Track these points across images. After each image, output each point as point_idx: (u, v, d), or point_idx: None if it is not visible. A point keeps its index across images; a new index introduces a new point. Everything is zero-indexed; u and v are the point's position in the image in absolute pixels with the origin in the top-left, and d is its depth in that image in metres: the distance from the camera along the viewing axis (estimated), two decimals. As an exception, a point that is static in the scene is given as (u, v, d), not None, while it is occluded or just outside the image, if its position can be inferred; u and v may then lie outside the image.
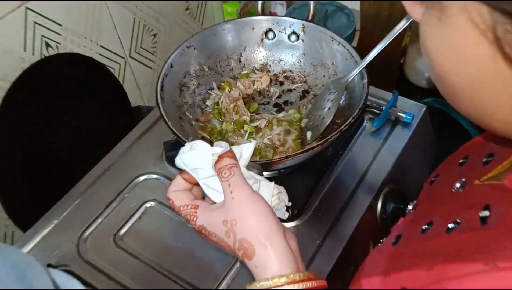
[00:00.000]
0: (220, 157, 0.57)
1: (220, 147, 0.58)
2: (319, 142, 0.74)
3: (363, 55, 0.84)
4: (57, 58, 0.92)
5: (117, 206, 0.87)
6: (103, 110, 1.05)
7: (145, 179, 0.91)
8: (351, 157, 0.92)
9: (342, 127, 0.76)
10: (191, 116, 0.91)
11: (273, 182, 0.62)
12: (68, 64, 0.94)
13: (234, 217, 0.54)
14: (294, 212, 0.83)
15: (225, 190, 0.55)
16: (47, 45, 0.91)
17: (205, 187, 0.59)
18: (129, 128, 1.09)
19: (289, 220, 0.82)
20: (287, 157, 0.73)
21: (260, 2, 0.99)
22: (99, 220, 0.85)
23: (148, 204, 0.87)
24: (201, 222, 0.58)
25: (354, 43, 1.26)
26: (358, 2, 1.19)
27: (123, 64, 1.10)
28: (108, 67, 1.05)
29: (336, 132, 0.75)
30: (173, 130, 0.77)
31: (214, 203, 0.59)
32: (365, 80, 0.83)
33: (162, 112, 0.81)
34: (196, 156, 0.58)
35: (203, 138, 0.88)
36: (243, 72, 0.99)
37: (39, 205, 0.89)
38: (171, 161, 0.92)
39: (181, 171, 0.62)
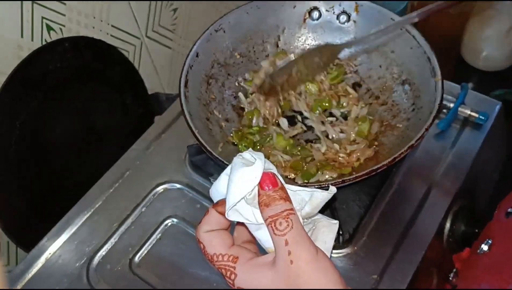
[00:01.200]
0: (270, 199, 0.42)
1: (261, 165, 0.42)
2: (385, 162, 0.59)
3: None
4: (61, 43, 0.78)
5: (133, 223, 0.74)
6: (115, 101, 0.91)
7: (165, 189, 0.77)
8: (412, 167, 0.76)
9: (413, 142, 0.60)
10: (220, 116, 0.76)
11: (337, 222, 0.47)
12: (74, 49, 0.79)
13: (290, 286, 0.40)
14: (345, 237, 0.69)
15: (279, 247, 0.41)
16: (49, 28, 0.76)
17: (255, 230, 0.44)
18: (146, 120, 0.95)
19: (337, 247, 0.68)
20: (343, 181, 0.58)
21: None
22: (112, 241, 0.72)
23: (169, 222, 0.74)
24: (241, 282, 0.44)
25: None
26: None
27: (139, 46, 0.95)
28: (121, 50, 0.90)
29: (406, 148, 0.60)
30: (204, 145, 0.62)
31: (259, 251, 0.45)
32: (438, 78, 0.67)
33: (187, 116, 0.66)
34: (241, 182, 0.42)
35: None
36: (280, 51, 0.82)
37: (42, 218, 0.77)
38: (196, 167, 0.78)
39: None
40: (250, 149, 0.44)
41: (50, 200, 0.80)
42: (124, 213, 0.75)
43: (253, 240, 0.47)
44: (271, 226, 0.40)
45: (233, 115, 0.78)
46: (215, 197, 0.45)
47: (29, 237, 0.75)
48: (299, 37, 0.83)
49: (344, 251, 0.68)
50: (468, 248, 0.56)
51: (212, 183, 0.64)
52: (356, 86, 0.80)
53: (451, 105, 0.79)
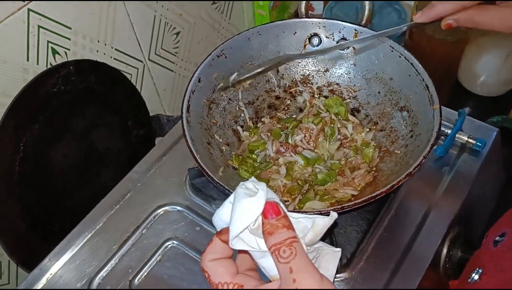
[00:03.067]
0: (273, 227, 0.42)
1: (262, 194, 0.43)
2: (383, 189, 0.60)
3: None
4: (65, 66, 0.79)
5: (133, 245, 0.74)
6: (116, 123, 0.92)
7: (165, 212, 0.78)
8: (410, 192, 0.77)
9: (411, 169, 0.61)
10: (221, 140, 0.77)
11: (340, 250, 0.48)
12: (78, 72, 0.81)
13: None
14: (343, 262, 0.70)
15: (284, 275, 0.41)
16: (54, 52, 0.77)
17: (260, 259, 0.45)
18: (146, 142, 0.96)
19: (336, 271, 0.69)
20: (342, 207, 0.59)
21: (304, 2, 0.83)
22: (112, 262, 0.73)
23: (169, 244, 0.74)
24: None
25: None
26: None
27: (141, 69, 0.96)
28: (124, 73, 0.91)
29: (404, 175, 0.61)
30: (205, 170, 0.63)
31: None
32: (436, 106, 0.68)
33: (189, 141, 0.67)
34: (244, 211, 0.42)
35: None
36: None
37: (42, 239, 0.77)
38: (196, 189, 0.79)
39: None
40: (253, 178, 0.45)
41: (51, 221, 0.81)
42: (125, 235, 0.75)
43: (255, 267, 0.47)
44: (275, 254, 0.41)
45: (233, 139, 0.79)
46: (219, 225, 0.46)
47: (30, 257, 0.75)
48: (299, 62, 0.85)
49: (342, 275, 0.69)
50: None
51: (213, 208, 0.65)
52: (355, 111, 0.82)
53: (449, 131, 0.80)
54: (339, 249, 0.47)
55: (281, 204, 0.43)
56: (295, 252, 0.40)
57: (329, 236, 0.70)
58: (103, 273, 0.72)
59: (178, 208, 0.78)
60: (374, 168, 0.73)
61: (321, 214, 0.59)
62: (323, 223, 0.44)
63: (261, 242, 0.42)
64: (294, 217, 0.44)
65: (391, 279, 0.68)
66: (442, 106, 0.68)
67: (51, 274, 0.72)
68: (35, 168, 0.77)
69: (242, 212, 0.41)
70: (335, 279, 0.68)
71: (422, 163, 0.62)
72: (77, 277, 0.72)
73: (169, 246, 0.74)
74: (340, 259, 0.68)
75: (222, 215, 0.45)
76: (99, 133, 0.88)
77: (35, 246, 0.77)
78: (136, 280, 0.71)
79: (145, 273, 0.72)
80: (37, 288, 0.71)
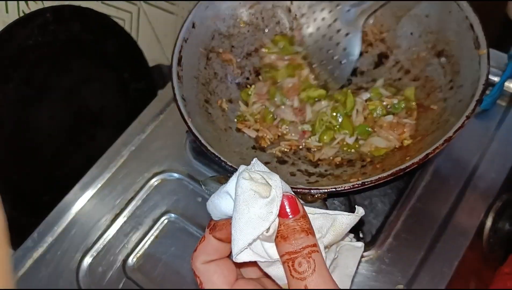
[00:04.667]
0: (289, 231, 0.32)
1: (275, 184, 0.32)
2: (415, 160, 0.48)
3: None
4: (41, 14, 0.67)
5: (127, 220, 0.66)
6: (110, 77, 0.81)
7: (162, 180, 0.68)
8: (448, 154, 0.65)
9: (451, 134, 0.49)
10: (222, 96, 0.66)
11: (362, 245, 0.38)
12: (57, 21, 0.69)
13: None
14: (367, 239, 0.59)
15: None
16: (26, -3, 0.66)
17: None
18: (147, 96, 0.86)
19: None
20: (363, 183, 0.48)
21: None
22: (103, 239, 0.65)
23: (166, 218, 0.65)
24: None
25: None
26: None
27: (136, 13, 0.84)
28: (115, 19, 0.79)
29: (442, 141, 0.48)
30: (200, 140, 0.52)
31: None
32: (483, 50, 0.54)
33: (179, 102, 0.56)
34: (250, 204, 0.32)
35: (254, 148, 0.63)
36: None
37: (31, 213, 0.69)
38: (197, 153, 0.69)
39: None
40: (256, 160, 0.34)
41: (39, 193, 0.73)
42: (117, 208, 0.66)
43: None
44: (288, 266, 0.31)
45: (237, 95, 0.67)
46: (215, 215, 0.36)
47: (16, 234, 0.68)
48: (316, -1, 0.71)
49: (366, 254, 0.59)
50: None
51: (203, 183, 0.55)
52: (382, 57, 0.68)
53: (496, 79, 0.65)
54: (361, 244, 0.38)
55: (298, 199, 0.33)
56: (313, 266, 0.31)
57: (349, 204, 0.59)
58: (93, 252, 0.64)
59: (177, 175, 0.68)
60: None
61: (336, 190, 0.48)
62: (347, 221, 0.35)
63: (269, 248, 0.32)
64: (311, 213, 0.34)
65: (425, 259, 0.58)
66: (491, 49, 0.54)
67: (37, 253, 0.65)
68: (15, 134, 0.68)
69: (251, 220, 0.31)
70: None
71: (464, 125, 0.50)
72: (65, 257, 0.64)
73: (167, 220, 0.65)
74: (364, 236, 0.59)
75: (218, 205, 0.35)
76: (91, 90, 0.78)
77: (22, 221, 0.70)
78: (130, 260, 0.63)
79: (141, 251, 0.64)
80: (22, 269, 0.64)
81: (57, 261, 0.64)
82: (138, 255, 0.63)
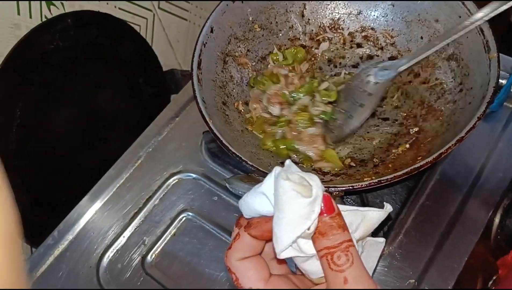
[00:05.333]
0: (327, 227, 0.34)
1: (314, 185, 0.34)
2: (429, 159, 0.50)
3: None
4: (62, 19, 0.70)
5: (145, 218, 0.68)
6: (125, 81, 0.83)
7: (179, 180, 0.70)
8: (457, 154, 0.67)
9: (463, 134, 0.51)
10: (238, 98, 0.68)
11: (384, 240, 0.40)
12: (77, 26, 0.72)
13: None
14: (379, 234, 0.61)
15: (336, 284, 0.33)
16: (49, 3, 0.69)
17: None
18: (160, 100, 0.88)
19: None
20: (379, 181, 0.50)
21: None
22: (122, 237, 0.67)
23: (184, 216, 0.67)
24: None
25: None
26: None
27: (151, 18, 0.86)
28: (131, 24, 0.82)
29: (454, 141, 0.50)
30: (221, 140, 0.54)
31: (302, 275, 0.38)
32: (493, 54, 0.56)
33: (201, 104, 0.58)
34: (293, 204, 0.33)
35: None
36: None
37: (47, 213, 0.72)
38: (212, 154, 0.71)
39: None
40: (290, 162, 0.36)
41: (56, 192, 0.75)
42: (136, 207, 0.69)
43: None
44: (327, 259, 0.33)
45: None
46: (248, 214, 0.37)
47: (36, 234, 0.70)
48: (328, 4, 0.73)
49: (378, 251, 0.61)
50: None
51: (227, 182, 0.57)
52: (393, 60, 0.70)
53: (503, 81, 0.68)
54: (383, 240, 0.40)
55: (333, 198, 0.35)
56: (351, 259, 0.33)
57: (361, 202, 0.61)
58: (113, 249, 0.66)
59: (193, 175, 0.70)
60: (415, 129, 0.62)
61: (353, 189, 0.50)
62: (377, 216, 0.37)
63: (305, 244, 0.34)
64: (343, 210, 0.36)
65: (434, 255, 0.60)
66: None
67: (58, 251, 0.67)
68: (34, 137, 0.70)
69: (294, 219, 0.33)
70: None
71: (476, 126, 0.52)
72: (86, 254, 0.66)
73: (184, 218, 0.67)
74: (376, 232, 0.61)
75: (252, 203, 0.36)
76: (106, 93, 0.80)
77: (41, 221, 0.72)
78: (149, 257, 0.65)
79: (159, 249, 0.66)
80: (43, 266, 0.66)
81: (77, 258, 0.66)
82: (157, 252, 0.65)
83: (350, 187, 0.50)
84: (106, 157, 0.73)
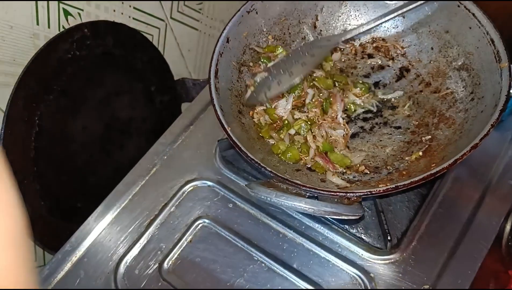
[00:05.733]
0: None
1: None
2: (444, 165, 0.51)
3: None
4: (79, 29, 0.71)
5: (161, 225, 0.69)
6: (139, 89, 0.85)
7: (195, 187, 0.71)
8: (468, 162, 0.68)
9: (477, 140, 0.52)
10: (254, 108, 0.69)
11: None
12: (94, 35, 0.73)
13: None
14: (393, 242, 0.62)
15: None
16: (67, 13, 0.70)
17: None
18: (171, 108, 0.89)
19: (384, 253, 0.62)
20: (397, 187, 0.51)
21: None
22: (139, 244, 0.68)
23: (200, 222, 0.68)
24: None
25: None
26: None
27: (163, 28, 0.88)
28: (145, 34, 0.83)
29: (469, 148, 0.52)
30: (240, 147, 0.55)
31: None
32: (504, 63, 0.58)
33: (219, 113, 0.59)
34: None
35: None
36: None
37: (65, 218, 0.72)
38: (227, 162, 0.72)
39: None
40: None
41: (73, 198, 0.76)
42: (152, 214, 0.69)
43: None
44: None
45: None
46: None
47: (53, 239, 0.71)
48: (340, 16, 0.75)
49: (392, 257, 0.62)
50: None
51: (249, 187, 0.58)
52: (403, 70, 0.72)
53: (512, 91, 0.70)
54: None
55: None
56: None
57: (377, 215, 0.62)
58: (130, 255, 0.67)
59: (209, 183, 0.71)
60: (428, 137, 0.64)
61: (371, 193, 0.51)
62: None
63: None
64: None
65: (448, 261, 0.61)
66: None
67: (75, 257, 0.68)
68: (53, 143, 0.71)
69: None
70: (384, 262, 0.61)
71: (489, 133, 0.53)
72: (103, 260, 0.67)
73: (200, 225, 0.68)
74: (390, 239, 0.62)
75: None
76: (121, 101, 0.82)
77: (59, 226, 0.72)
78: (166, 263, 0.66)
79: (176, 255, 0.66)
80: (61, 272, 0.66)
81: (95, 264, 0.67)
82: (173, 258, 0.66)
83: (368, 193, 0.51)
84: (122, 164, 0.74)
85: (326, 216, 0.51)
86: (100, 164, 0.80)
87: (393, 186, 0.51)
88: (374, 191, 0.51)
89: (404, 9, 0.64)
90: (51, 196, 0.72)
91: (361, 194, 0.51)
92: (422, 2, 0.63)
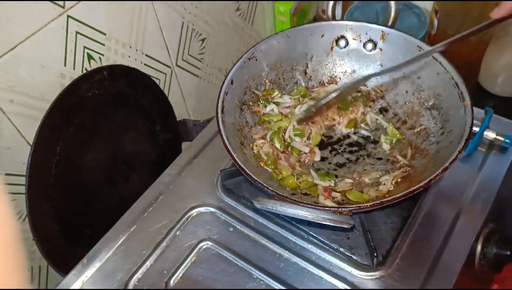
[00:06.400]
0: None
1: None
2: (421, 184, 0.60)
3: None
4: (100, 71, 0.80)
5: (167, 247, 0.75)
6: (145, 127, 0.93)
7: (198, 213, 0.79)
8: (441, 190, 0.77)
9: (447, 164, 0.62)
10: (254, 141, 0.78)
11: None
12: (110, 77, 0.82)
13: None
14: (379, 259, 0.70)
15: None
16: (90, 57, 0.79)
17: None
18: (173, 147, 0.98)
19: (371, 269, 0.69)
20: (381, 203, 0.60)
21: (331, 2, 0.84)
22: (147, 264, 0.73)
23: (203, 245, 0.75)
24: None
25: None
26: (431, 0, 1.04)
27: (169, 74, 0.98)
28: (153, 78, 0.93)
29: (440, 170, 0.61)
30: (245, 170, 0.64)
31: None
32: (467, 102, 0.69)
33: (226, 141, 0.68)
34: None
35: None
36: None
37: (74, 243, 0.78)
38: (227, 190, 0.80)
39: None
40: None
41: (82, 225, 0.82)
42: (159, 237, 0.76)
43: None
44: None
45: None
46: None
47: (62, 261, 0.76)
48: (327, 64, 0.86)
49: (378, 273, 0.69)
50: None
51: (255, 201, 0.65)
52: (383, 111, 0.82)
53: (477, 129, 0.80)
54: None
55: None
56: None
57: (364, 234, 0.70)
58: (138, 275, 0.72)
59: (211, 209, 0.79)
60: (408, 167, 0.73)
61: (359, 209, 0.60)
62: None
63: None
64: None
65: (428, 276, 0.68)
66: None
67: (86, 277, 0.73)
68: (68, 171, 0.78)
69: None
70: (371, 277, 0.68)
71: (457, 158, 0.63)
72: (112, 279, 0.72)
73: (204, 247, 0.74)
74: (377, 256, 0.70)
75: None
76: (128, 136, 0.90)
77: (67, 250, 0.78)
78: (171, 282, 0.71)
79: (180, 274, 0.72)
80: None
81: (105, 281, 0.72)
82: (179, 277, 0.72)
83: (357, 207, 0.60)
84: (126, 194, 0.81)
85: (323, 223, 0.58)
86: (106, 194, 0.87)
87: (378, 201, 0.60)
88: (362, 206, 0.60)
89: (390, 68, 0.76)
90: (62, 220, 0.78)
91: (351, 208, 0.60)
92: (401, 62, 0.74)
